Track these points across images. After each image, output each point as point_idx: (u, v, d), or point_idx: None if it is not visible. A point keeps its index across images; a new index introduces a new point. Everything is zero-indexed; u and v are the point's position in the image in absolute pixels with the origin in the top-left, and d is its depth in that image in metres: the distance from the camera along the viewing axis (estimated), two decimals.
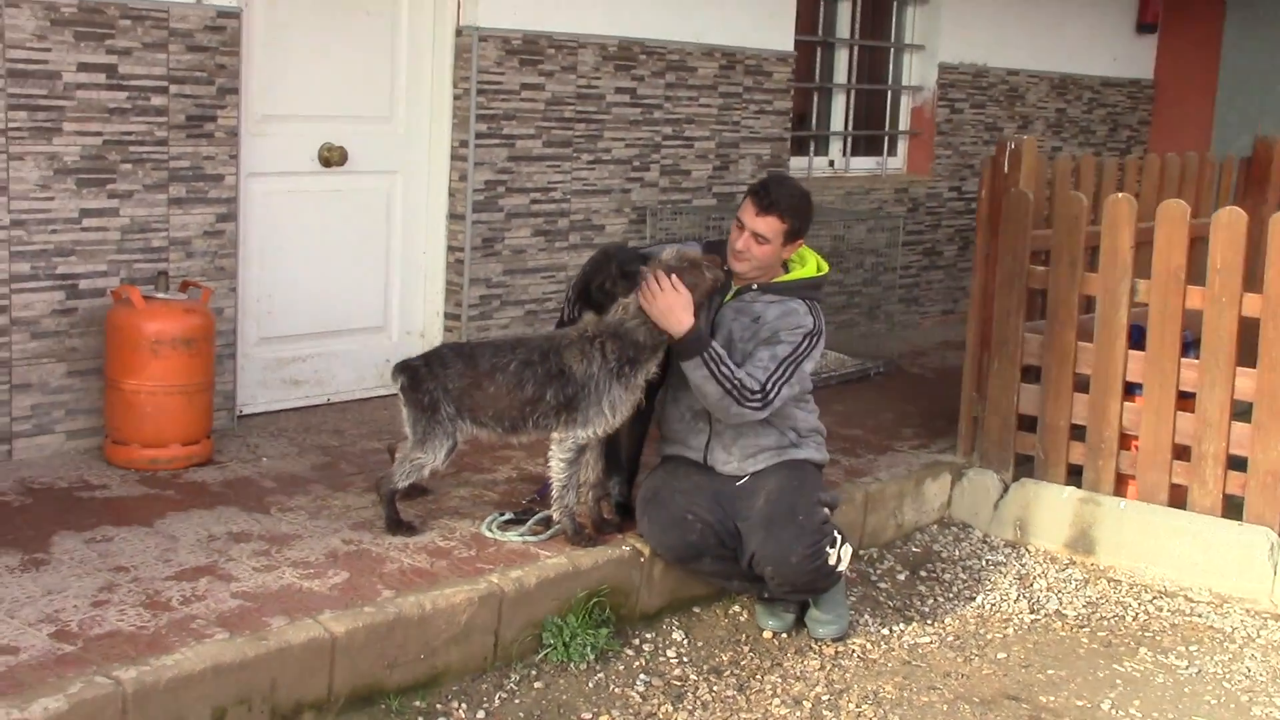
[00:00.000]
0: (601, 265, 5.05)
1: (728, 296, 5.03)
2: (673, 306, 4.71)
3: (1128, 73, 11.20)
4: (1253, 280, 5.79)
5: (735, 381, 4.76)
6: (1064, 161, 6.71)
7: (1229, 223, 5.69)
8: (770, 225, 4.91)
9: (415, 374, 4.89)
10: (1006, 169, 6.19)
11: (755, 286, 5.02)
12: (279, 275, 6.35)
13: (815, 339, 4.95)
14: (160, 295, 5.54)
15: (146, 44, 5.59)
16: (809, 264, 5.11)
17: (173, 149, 5.73)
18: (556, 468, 4.91)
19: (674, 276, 4.73)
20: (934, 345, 8.94)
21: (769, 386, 4.81)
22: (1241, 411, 5.73)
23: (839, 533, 4.94)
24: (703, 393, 4.81)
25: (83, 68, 5.43)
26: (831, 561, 4.86)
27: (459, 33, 6.72)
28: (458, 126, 6.78)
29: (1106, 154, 10.79)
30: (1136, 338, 5.96)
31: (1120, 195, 5.99)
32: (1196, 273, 5.87)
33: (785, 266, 5.11)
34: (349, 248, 6.61)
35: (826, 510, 4.97)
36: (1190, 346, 5.91)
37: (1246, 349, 5.75)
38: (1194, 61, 11.25)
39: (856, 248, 8.55)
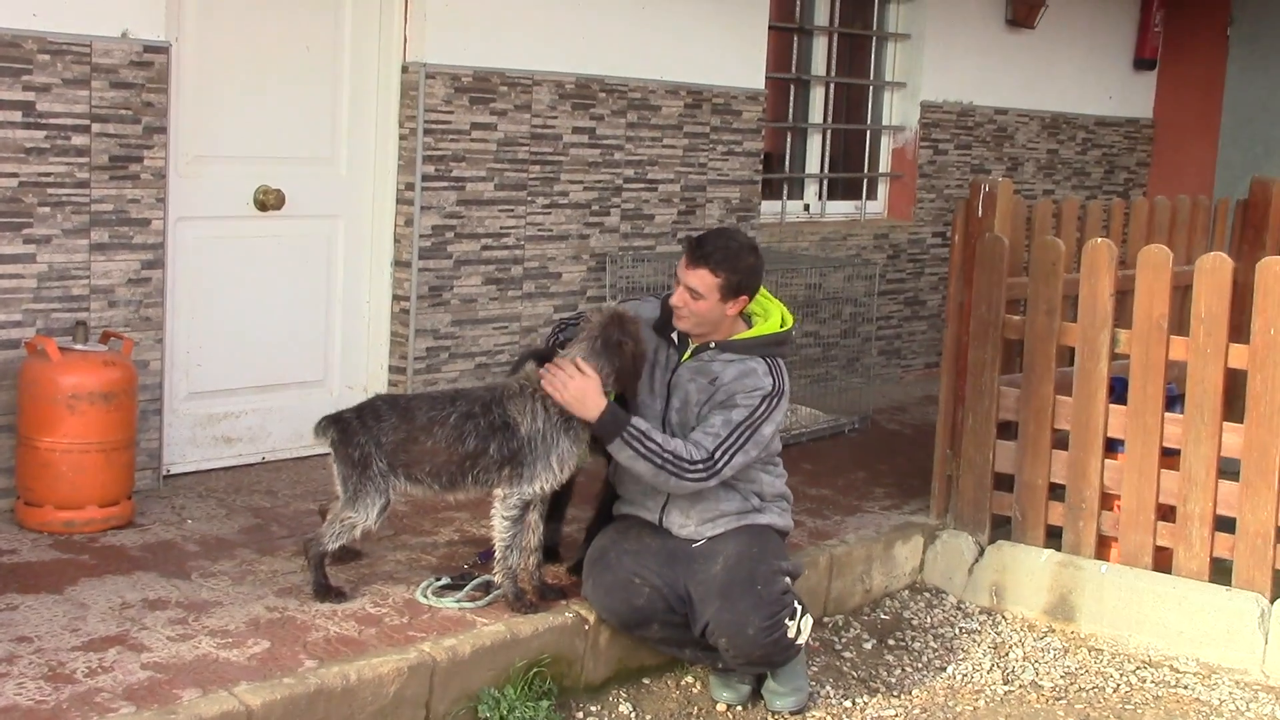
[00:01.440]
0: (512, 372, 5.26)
1: (685, 355, 5.04)
2: (583, 392, 4.75)
3: (1125, 111, 11.30)
4: (1240, 331, 5.84)
5: (667, 455, 4.77)
6: (1044, 204, 6.76)
7: (1213, 269, 5.74)
8: (702, 280, 4.88)
9: (346, 427, 4.90)
10: (981, 212, 6.24)
11: (713, 345, 5.02)
12: (210, 326, 6.37)
13: (775, 400, 4.93)
14: (78, 347, 5.56)
15: (67, 80, 5.63)
16: (773, 318, 5.08)
17: (95, 191, 5.76)
18: (500, 527, 4.93)
19: (578, 360, 4.78)
20: (915, 400, 8.97)
21: (718, 455, 4.82)
22: (1229, 469, 5.75)
23: (799, 603, 4.95)
24: (635, 472, 4.84)
25: None
26: (790, 634, 4.87)
27: (405, 69, 6.78)
28: (403, 168, 6.83)
29: (1102, 197, 10.87)
30: (1118, 391, 5.99)
31: (1099, 240, 6.03)
32: (1183, 322, 5.92)
33: (748, 321, 5.11)
34: (286, 297, 6.64)
35: (787, 580, 4.98)
36: (1175, 401, 5.94)
37: (1234, 403, 5.79)
38: (1195, 100, 11.35)
39: (833, 297, 8.60)
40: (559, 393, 4.76)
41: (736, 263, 4.88)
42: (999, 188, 6.21)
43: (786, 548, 5.23)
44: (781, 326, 5.08)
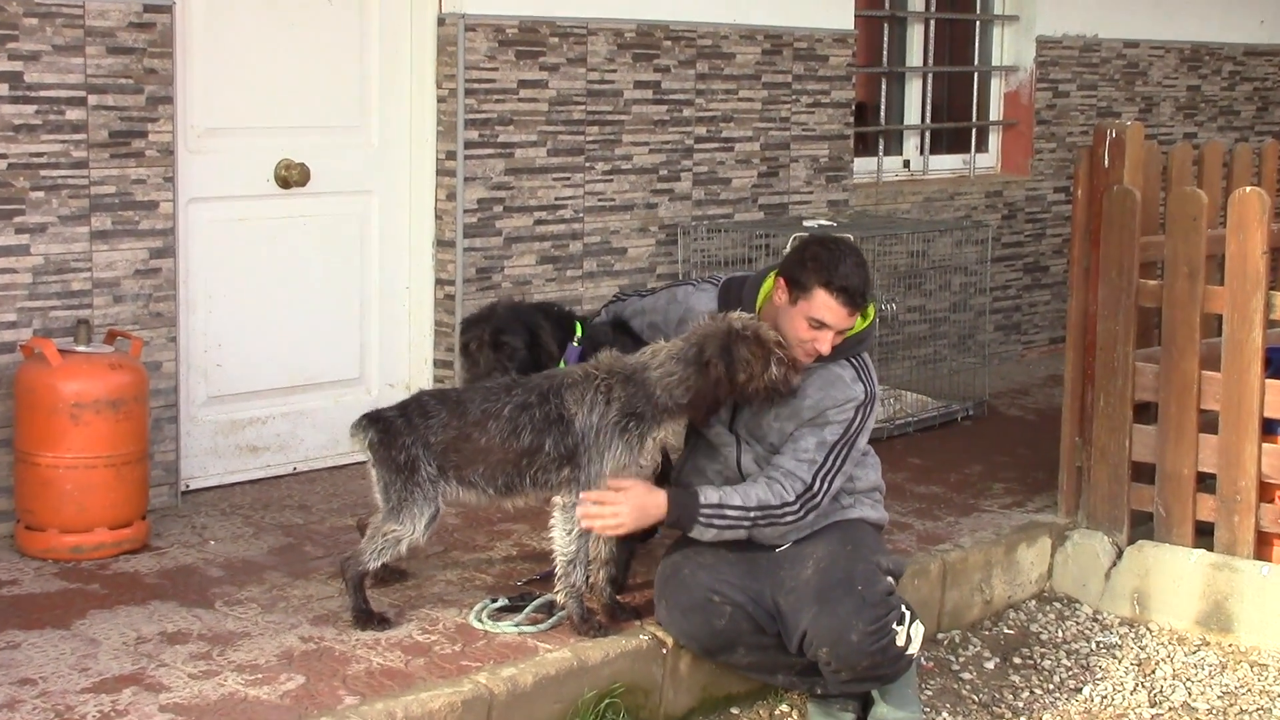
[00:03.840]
0: (476, 323, 5.29)
1: None
2: (635, 507, 4.80)
3: (1279, 38, 11.14)
4: None
5: (754, 513, 4.84)
6: (1181, 149, 6.68)
7: None
8: (856, 315, 4.94)
9: (389, 426, 4.92)
10: (1108, 161, 6.17)
11: None
12: (230, 321, 6.42)
13: (868, 408, 4.99)
14: (81, 349, 5.61)
15: (58, 46, 5.68)
16: None
17: (94, 172, 5.81)
18: (560, 538, 4.95)
19: (610, 483, 4.82)
20: (1038, 381, 8.93)
21: (816, 484, 4.88)
22: None
23: (907, 607, 4.93)
24: (732, 537, 4.89)
25: None
26: (900, 642, 4.84)
27: (441, 21, 6.80)
28: (443, 135, 6.84)
29: (1254, 139, 10.73)
30: (1276, 364, 5.92)
31: (1248, 189, 5.96)
32: None
33: None
34: (316, 285, 6.68)
35: (890, 580, 4.97)
36: None
37: None
38: None
39: (940, 265, 8.54)
40: (616, 529, 4.82)
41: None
42: (1127, 132, 6.14)
43: (883, 541, 5.23)
44: (863, 322, 5.05)
